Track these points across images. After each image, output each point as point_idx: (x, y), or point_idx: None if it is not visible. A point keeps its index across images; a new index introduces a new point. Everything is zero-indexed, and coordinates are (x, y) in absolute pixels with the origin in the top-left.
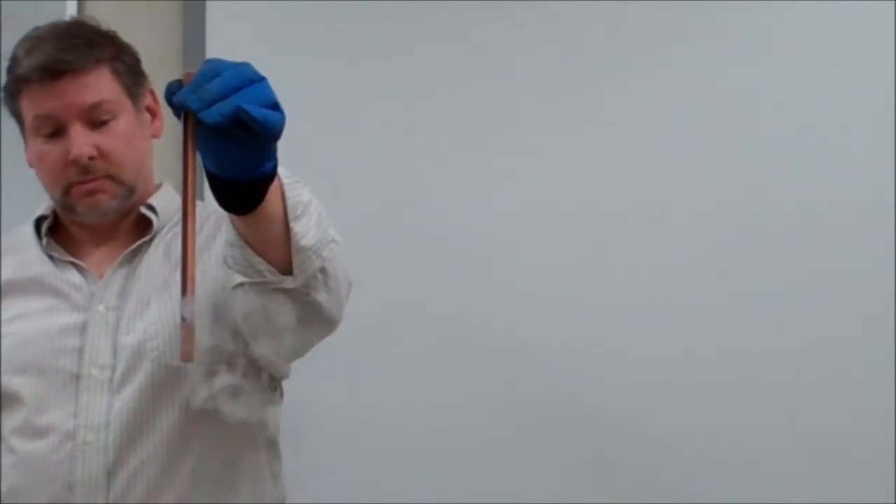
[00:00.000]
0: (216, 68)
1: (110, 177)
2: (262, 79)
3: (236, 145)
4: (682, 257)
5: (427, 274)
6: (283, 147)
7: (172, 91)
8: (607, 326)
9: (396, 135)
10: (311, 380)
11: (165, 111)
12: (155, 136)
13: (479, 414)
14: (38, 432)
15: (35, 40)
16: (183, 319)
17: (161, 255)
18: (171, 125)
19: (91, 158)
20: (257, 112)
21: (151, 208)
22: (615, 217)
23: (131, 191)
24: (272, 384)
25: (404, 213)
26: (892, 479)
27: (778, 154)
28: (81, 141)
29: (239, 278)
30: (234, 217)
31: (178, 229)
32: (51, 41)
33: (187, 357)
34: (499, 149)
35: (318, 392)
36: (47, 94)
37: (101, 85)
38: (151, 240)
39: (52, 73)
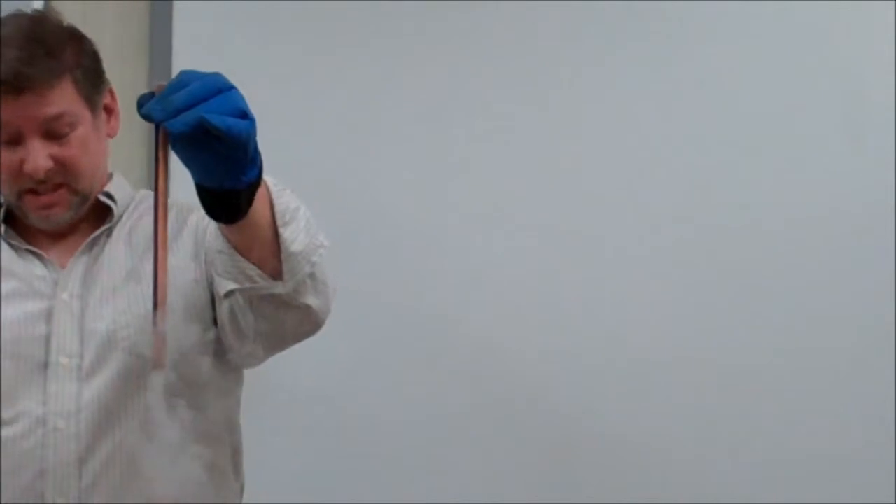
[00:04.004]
0: (185, 80)
1: (66, 185)
2: (231, 88)
3: (208, 154)
4: (661, 254)
5: (400, 269)
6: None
7: (142, 103)
8: (579, 322)
9: (361, 125)
10: (274, 371)
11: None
12: (110, 135)
13: (445, 409)
14: (8, 419)
15: None
16: (154, 326)
17: (123, 244)
18: (129, 120)
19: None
20: (219, 121)
21: (110, 196)
22: (590, 212)
23: (85, 199)
24: (235, 374)
25: (366, 204)
26: (893, 480)
27: (772, 160)
28: (38, 155)
29: (230, 285)
30: (223, 226)
31: (137, 217)
32: (12, 48)
33: (160, 364)
34: (461, 141)
35: (281, 382)
36: (7, 105)
37: (62, 98)
38: (111, 228)
39: (15, 88)
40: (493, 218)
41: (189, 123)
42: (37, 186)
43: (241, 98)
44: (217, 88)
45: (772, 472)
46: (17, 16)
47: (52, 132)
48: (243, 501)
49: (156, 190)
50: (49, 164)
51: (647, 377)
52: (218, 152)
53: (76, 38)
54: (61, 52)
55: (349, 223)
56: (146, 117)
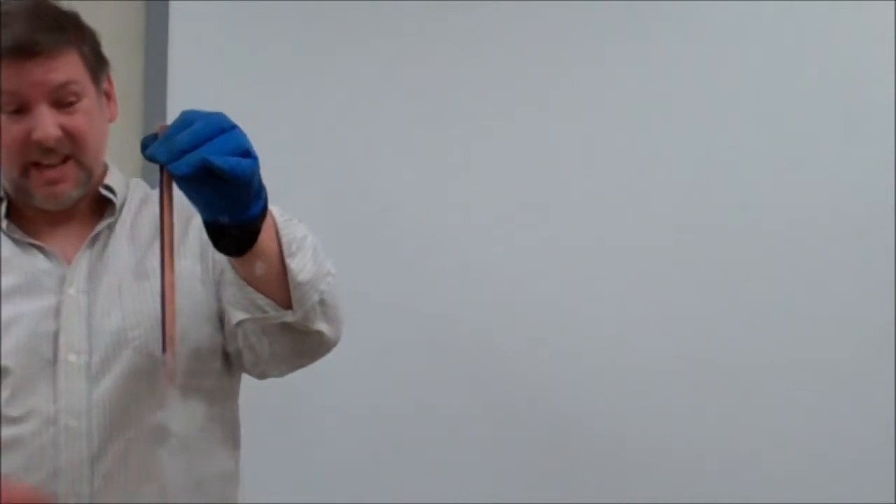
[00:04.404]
0: (188, 120)
1: (73, 159)
2: (233, 127)
3: (213, 193)
4: (661, 254)
5: (399, 269)
6: (255, 133)
7: (146, 145)
8: (579, 322)
9: (360, 125)
10: None
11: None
12: (110, 120)
13: (444, 409)
14: (19, 416)
15: (4, 17)
16: (163, 358)
17: (125, 240)
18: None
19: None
20: (223, 161)
21: (109, 189)
22: (589, 212)
23: (90, 176)
24: (238, 373)
25: (366, 204)
26: (893, 480)
27: (772, 160)
28: (47, 122)
29: (240, 315)
30: (232, 258)
31: (135, 210)
32: (21, 19)
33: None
34: (460, 138)
35: (278, 381)
36: (16, 72)
37: (70, 67)
38: (113, 223)
39: (24, 53)
40: (492, 218)
41: (193, 165)
42: (42, 158)
43: (244, 136)
44: (220, 128)
45: (772, 472)
46: (18, 1)
47: (60, 100)
48: (240, 500)
49: (161, 229)
50: (58, 132)
51: (647, 377)
52: (222, 191)
53: (79, 21)
54: (68, 27)
55: (348, 223)
56: (150, 159)
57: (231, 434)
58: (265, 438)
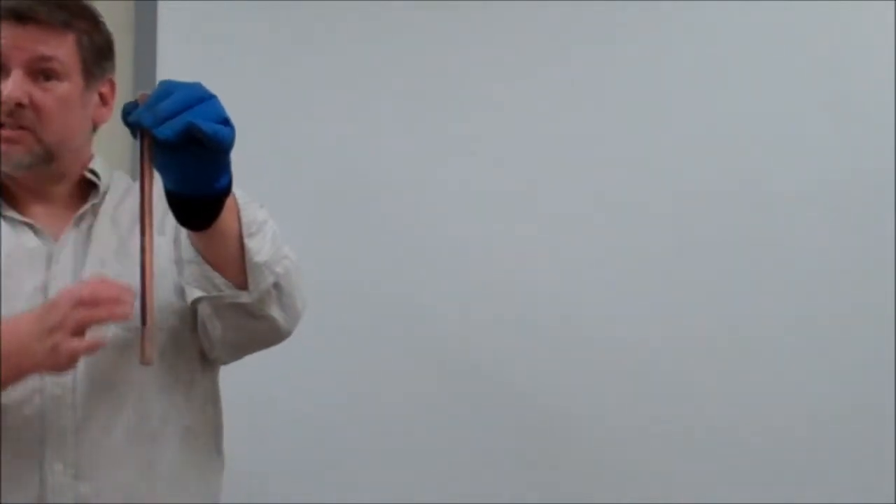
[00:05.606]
0: (169, 88)
1: (32, 132)
2: (212, 96)
3: (190, 160)
4: (658, 251)
5: (389, 262)
6: (248, 124)
7: (128, 111)
8: (577, 321)
9: (354, 113)
10: (260, 364)
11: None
12: (97, 121)
13: (438, 402)
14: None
15: None
16: (143, 324)
17: (109, 222)
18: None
19: (20, 105)
20: (207, 127)
21: (94, 173)
22: (582, 208)
23: (49, 155)
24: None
25: (361, 199)
26: (893, 480)
27: (772, 160)
28: (18, 85)
29: (196, 293)
30: (193, 234)
31: (119, 198)
32: None
33: (148, 361)
34: (459, 138)
35: (268, 376)
36: (8, 35)
37: (60, 47)
38: (97, 207)
39: (20, 17)
40: (490, 217)
41: (177, 129)
42: (7, 121)
43: (222, 106)
44: (200, 97)
45: (772, 471)
46: None
47: (37, 71)
48: (223, 484)
49: (141, 199)
50: (24, 97)
51: (644, 376)
52: (200, 158)
53: (95, 16)
54: (77, 14)
55: (341, 217)
56: (134, 124)
57: (210, 408)
58: (256, 436)
